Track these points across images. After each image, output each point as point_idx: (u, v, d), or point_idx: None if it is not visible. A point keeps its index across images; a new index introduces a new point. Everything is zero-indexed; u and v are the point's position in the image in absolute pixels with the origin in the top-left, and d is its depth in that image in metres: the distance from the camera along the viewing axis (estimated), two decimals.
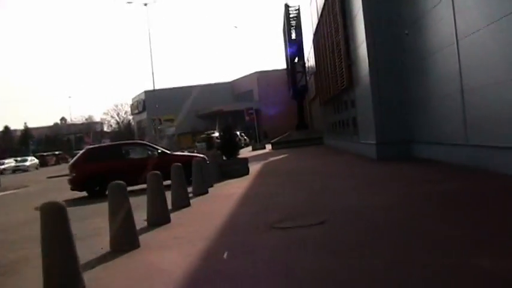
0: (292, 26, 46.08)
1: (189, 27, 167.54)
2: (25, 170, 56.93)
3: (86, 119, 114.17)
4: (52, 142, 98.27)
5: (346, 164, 18.29)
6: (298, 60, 45.97)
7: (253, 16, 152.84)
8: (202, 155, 19.22)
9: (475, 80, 11.61)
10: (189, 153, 23.71)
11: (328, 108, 33.25)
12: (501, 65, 10.30)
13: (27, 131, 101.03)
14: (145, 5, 70.96)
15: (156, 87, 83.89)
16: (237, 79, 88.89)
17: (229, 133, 18.82)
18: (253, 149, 44.13)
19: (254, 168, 20.88)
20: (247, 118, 46.15)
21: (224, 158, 18.86)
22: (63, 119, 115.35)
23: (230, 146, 18.54)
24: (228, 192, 13.40)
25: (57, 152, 78.72)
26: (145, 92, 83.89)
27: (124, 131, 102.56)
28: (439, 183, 10.41)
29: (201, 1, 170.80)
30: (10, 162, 59.10)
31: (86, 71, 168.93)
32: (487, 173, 10.86)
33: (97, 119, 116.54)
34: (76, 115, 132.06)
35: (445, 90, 13.62)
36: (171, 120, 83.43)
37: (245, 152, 40.90)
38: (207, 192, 13.73)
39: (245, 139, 57.81)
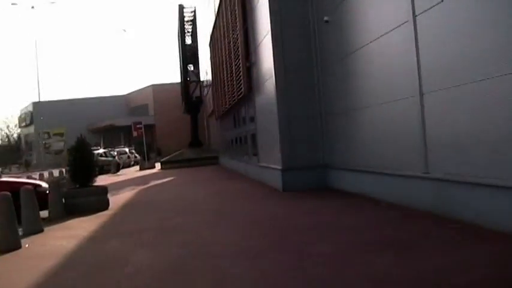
0: (188, 32, 41.21)
1: (82, 35, 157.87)
2: None
3: None
4: None
5: (243, 197, 13.49)
6: (193, 69, 41.08)
7: (150, 23, 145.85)
8: (37, 182, 13.80)
9: (444, 78, 7.30)
10: (25, 180, 17.75)
11: (225, 122, 28.62)
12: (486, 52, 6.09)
13: None
14: (33, 7, 64.14)
15: (47, 99, 77.53)
16: (131, 92, 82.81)
17: (82, 151, 13.40)
18: (141, 169, 38.54)
19: (123, 197, 15.75)
20: (134, 133, 40.31)
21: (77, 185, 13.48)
22: None
23: (83, 169, 13.15)
24: (54, 248, 8.24)
25: None
26: (34, 103, 76.77)
27: (14, 145, 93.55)
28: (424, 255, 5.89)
29: (94, 7, 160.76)
30: None
31: None
32: (473, 227, 6.55)
33: None
34: None
35: (390, 95, 9.24)
36: (61, 135, 76.75)
37: (131, 172, 35.56)
38: (19, 246, 8.48)
39: (135, 156, 51.98)
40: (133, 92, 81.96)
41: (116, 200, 14.81)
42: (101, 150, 41.15)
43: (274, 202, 11.46)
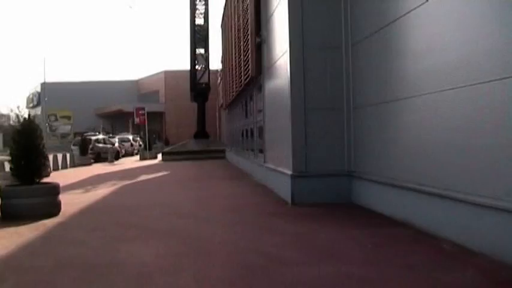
0: (200, 13, 37.73)
1: (87, 12, 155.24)
2: None
3: None
4: None
5: (236, 211, 10.00)
6: (202, 53, 37.55)
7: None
8: None
9: None
10: None
11: (232, 112, 25.38)
12: None
13: None
14: None
15: (56, 80, 74.78)
16: (143, 78, 79.61)
17: (28, 137, 9.98)
18: (141, 159, 35.37)
19: (92, 197, 12.64)
20: (137, 120, 36.94)
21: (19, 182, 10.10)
22: None
23: (27, 161, 9.84)
24: None
25: None
26: (42, 84, 74.15)
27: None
28: None
29: None
30: None
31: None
32: None
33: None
34: None
35: (461, 77, 5.79)
36: (68, 117, 74.09)
37: (129, 162, 32.50)
38: None
39: (140, 145, 48.77)
40: (145, 77, 78.85)
41: (81, 201, 11.71)
42: (101, 136, 38.07)
43: (277, 225, 8.08)
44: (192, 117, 58.18)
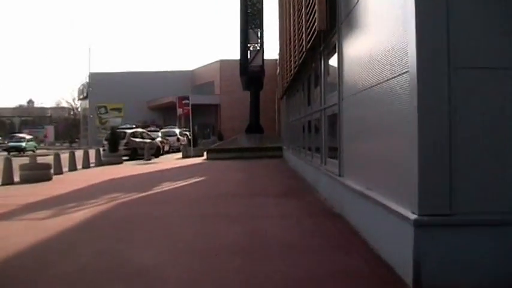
0: None
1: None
2: None
3: (57, 103, 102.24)
4: None
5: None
6: (255, 30, 31.57)
7: None
8: None
9: None
10: None
11: (289, 100, 19.71)
12: None
13: None
14: None
15: (105, 71, 71.73)
16: (198, 68, 74.95)
17: None
18: (184, 157, 30.35)
19: (44, 230, 7.41)
20: (179, 111, 31.68)
21: None
22: (30, 101, 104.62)
23: None
24: None
25: None
26: (91, 74, 71.26)
27: (77, 119, 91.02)
28: None
29: None
30: None
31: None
32: None
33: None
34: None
35: None
36: (119, 110, 70.69)
37: (168, 160, 27.54)
38: None
39: (189, 139, 43.65)
40: (200, 67, 74.13)
41: (2, 246, 6.40)
42: (139, 130, 33.26)
43: None
44: (247, 109, 52.90)
